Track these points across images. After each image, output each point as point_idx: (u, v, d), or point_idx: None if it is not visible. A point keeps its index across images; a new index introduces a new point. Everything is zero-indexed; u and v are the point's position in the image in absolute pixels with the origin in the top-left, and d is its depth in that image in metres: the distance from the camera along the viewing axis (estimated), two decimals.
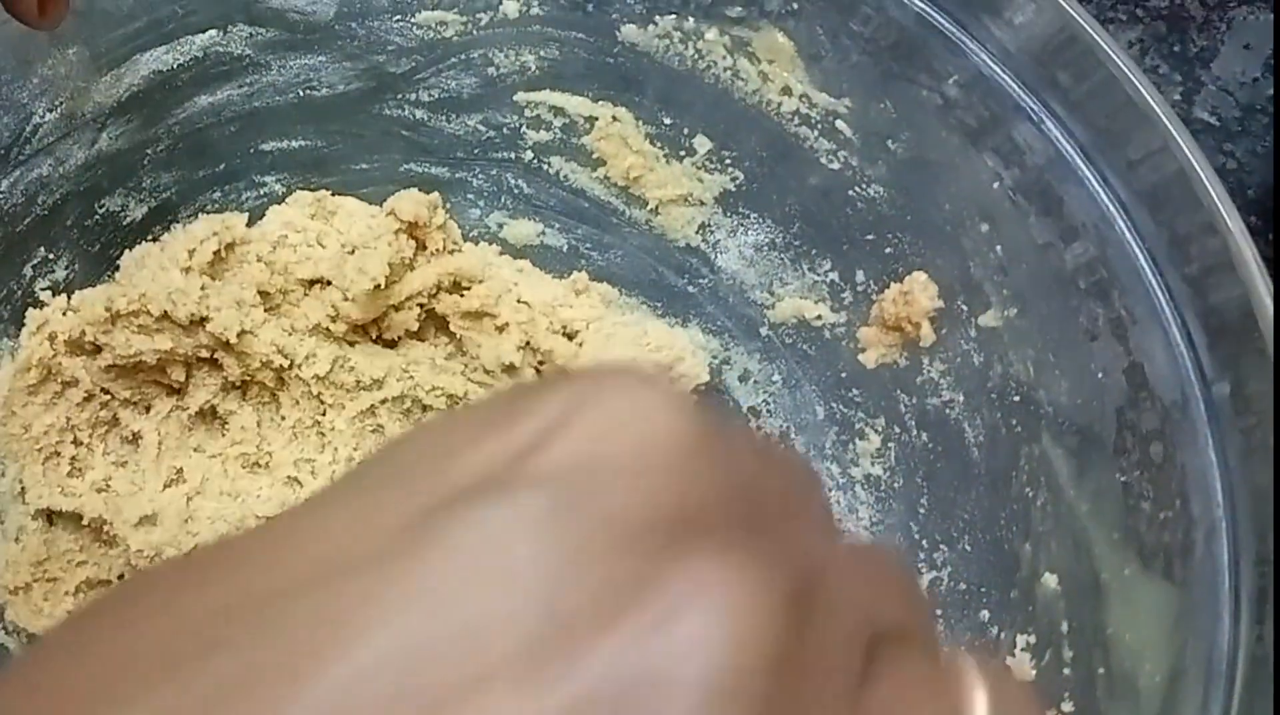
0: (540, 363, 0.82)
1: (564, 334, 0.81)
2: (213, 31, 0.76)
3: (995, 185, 0.69)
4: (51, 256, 0.76)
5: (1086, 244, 0.65)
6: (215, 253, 0.76)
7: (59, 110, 0.73)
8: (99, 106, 0.75)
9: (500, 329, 0.81)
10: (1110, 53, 0.63)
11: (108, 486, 0.76)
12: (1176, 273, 0.62)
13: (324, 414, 0.81)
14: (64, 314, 0.75)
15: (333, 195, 0.82)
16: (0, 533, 0.73)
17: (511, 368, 0.81)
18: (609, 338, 0.81)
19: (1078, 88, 0.65)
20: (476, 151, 0.84)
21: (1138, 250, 0.64)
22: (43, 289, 0.76)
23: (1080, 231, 0.65)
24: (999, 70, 0.67)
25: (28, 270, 0.76)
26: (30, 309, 0.75)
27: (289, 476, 0.80)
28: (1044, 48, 0.65)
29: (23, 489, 0.75)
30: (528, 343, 0.81)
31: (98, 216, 0.78)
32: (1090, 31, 0.63)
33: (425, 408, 0.82)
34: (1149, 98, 0.62)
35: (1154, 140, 0.62)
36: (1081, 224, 0.65)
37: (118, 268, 0.78)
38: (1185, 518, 0.62)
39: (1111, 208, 0.64)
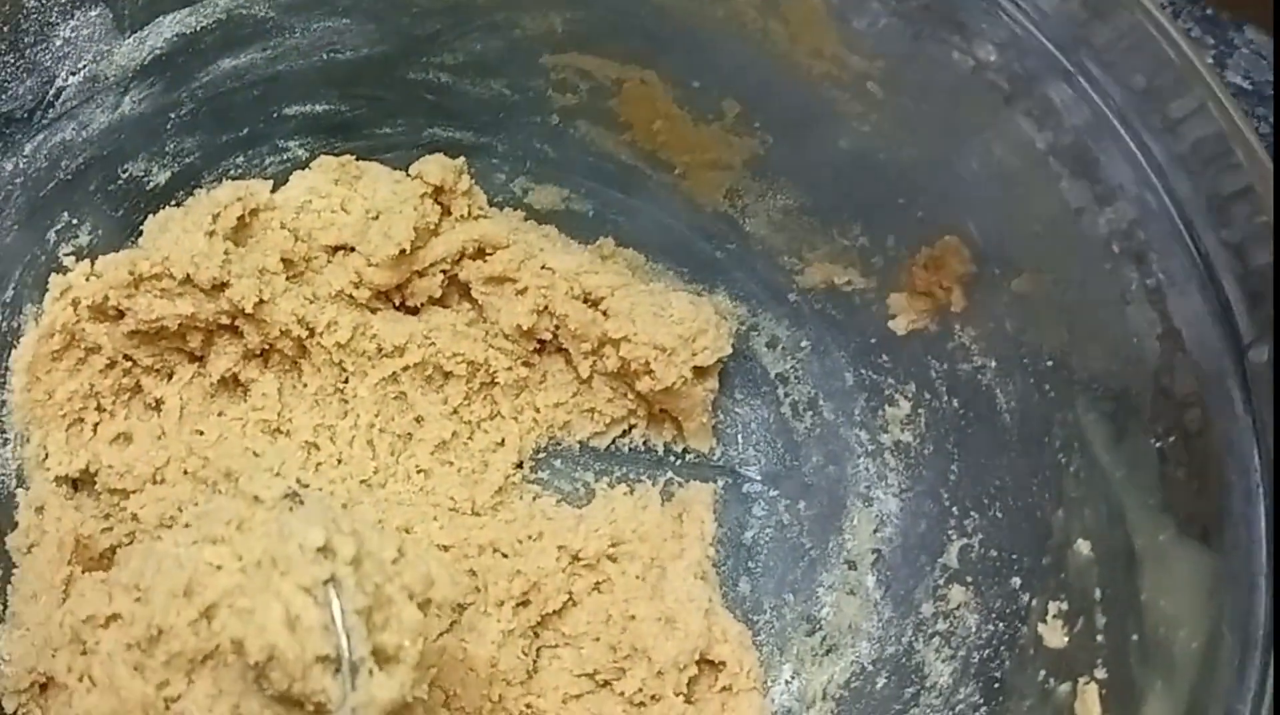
0: (556, 328, 0.81)
1: (587, 301, 0.81)
2: None
3: (1030, 148, 0.67)
4: (75, 221, 0.76)
5: (1123, 207, 0.64)
6: (239, 218, 0.76)
7: (82, 73, 0.73)
8: (122, 70, 0.74)
9: (519, 294, 0.80)
10: (1149, 11, 0.62)
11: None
12: (1214, 236, 0.61)
13: (346, 381, 0.81)
14: (87, 279, 0.75)
15: (356, 160, 0.82)
16: (24, 499, 0.73)
17: (526, 332, 0.81)
18: (632, 306, 0.80)
19: (1115, 47, 0.63)
20: (502, 115, 0.83)
21: (1175, 214, 0.62)
22: (66, 254, 0.76)
23: (1117, 194, 0.64)
24: (1034, 30, 0.65)
25: (51, 235, 0.75)
26: (54, 274, 0.75)
27: (306, 441, 0.80)
28: (1080, 6, 0.64)
29: (46, 455, 0.74)
30: (545, 307, 0.80)
31: (121, 181, 0.77)
32: None
33: (447, 374, 0.82)
34: (1190, 57, 0.61)
35: (1192, 101, 0.61)
36: (1119, 187, 0.64)
37: (140, 233, 0.78)
38: (1222, 484, 0.61)
39: (1148, 170, 0.63)
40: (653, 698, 0.75)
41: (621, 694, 0.75)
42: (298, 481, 0.77)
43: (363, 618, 0.55)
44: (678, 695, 0.75)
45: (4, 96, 0.70)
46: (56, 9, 0.71)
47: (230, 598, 0.54)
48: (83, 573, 0.70)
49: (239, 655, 0.54)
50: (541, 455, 0.85)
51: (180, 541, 0.59)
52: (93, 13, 0.72)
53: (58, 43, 0.71)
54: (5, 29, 0.69)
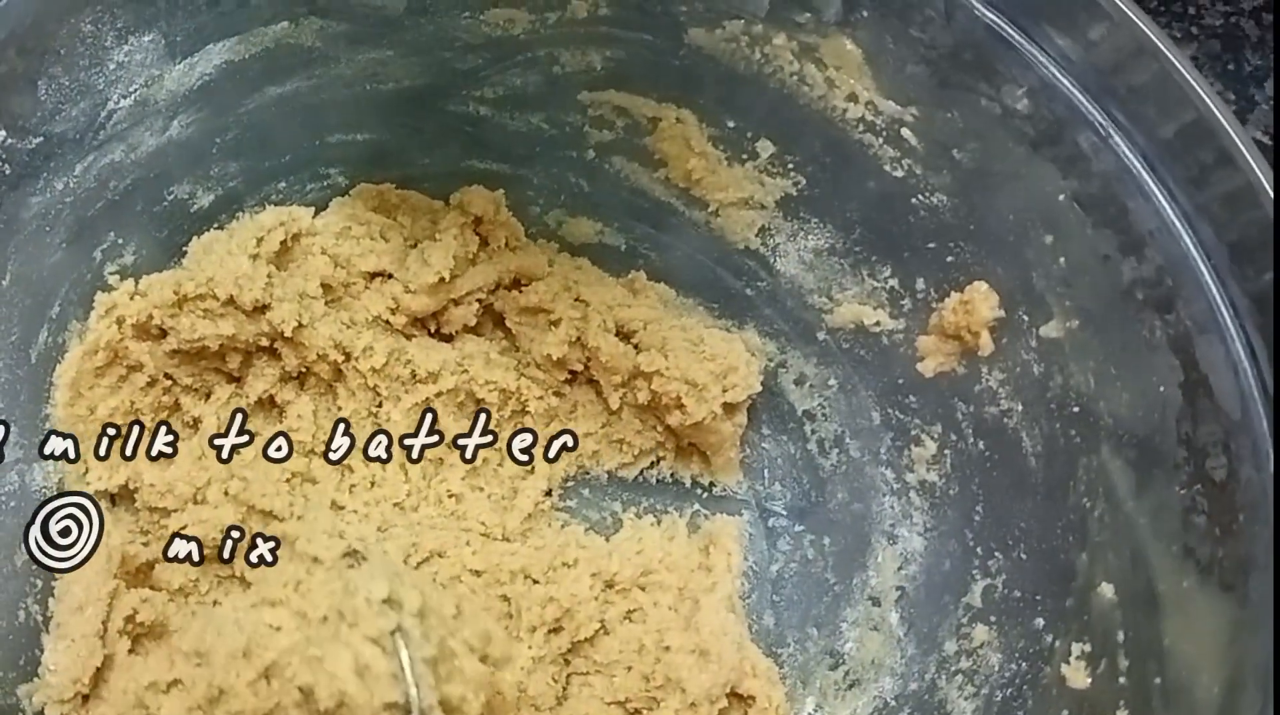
0: (588, 360, 0.82)
1: (620, 334, 0.82)
2: (284, 23, 0.76)
3: (1060, 196, 0.69)
4: (120, 241, 0.77)
5: (1150, 255, 0.65)
6: (282, 243, 0.77)
7: (133, 97, 0.74)
8: (171, 94, 0.75)
9: (553, 325, 0.81)
10: (1175, 62, 0.63)
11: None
12: (1239, 286, 0.62)
13: (380, 406, 0.82)
14: (131, 298, 0.76)
15: (395, 188, 0.83)
16: None
17: (558, 362, 0.82)
18: (665, 341, 0.81)
19: (1142, 97, 0.65)
20: (538, 149, 0.84)
21: (1201, 262, 0.63)
22: (111, 273, 0.77)
23: (1144, 242, 0.65)
24: (1063, 78, 0.67)
25: (97, 254, 0.76)
26: (99, 292, 0.76)
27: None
28: (1108, 55, 0.65)
29: (86, 470, 0.75)
30: (578, 339, 0.81)
31: (166, 203, 0.78)
32: (1158, 43, 0.63)
33: (479, 401, 0.83)
34: (1216, 111, 0.62)
35: (1219, 153, 0.62)
36: (1147, 234, 0.65)
37: (184, 254, 0.79)
38: (1245, 532, 0.62)
39: (1175, 219, 0.64)
40: None
41: None
42: (356, 520, 0.78)
43: (430, 667, 0.56)
44: None
45: (57, 118, 0.72)
46: (112, 34, 0.72)
47: (290, 655, 0.56)
48: (127, 588, 0.71)
49: (307, 704, 0.55)
50: (570, 484, 0.86)
51: (238, 605, 0.60)
52: (146, 38, 0.73)
53: (111, 67, 0.73)
54: (61, 52, 0.71)
